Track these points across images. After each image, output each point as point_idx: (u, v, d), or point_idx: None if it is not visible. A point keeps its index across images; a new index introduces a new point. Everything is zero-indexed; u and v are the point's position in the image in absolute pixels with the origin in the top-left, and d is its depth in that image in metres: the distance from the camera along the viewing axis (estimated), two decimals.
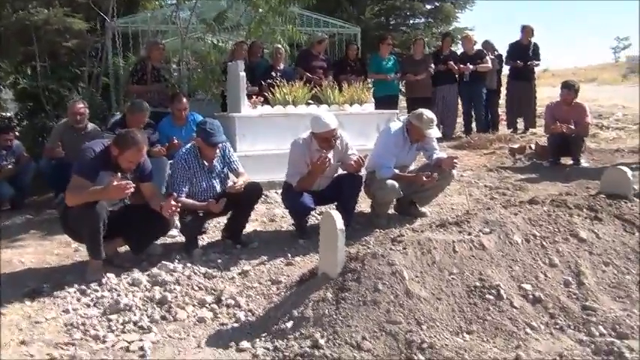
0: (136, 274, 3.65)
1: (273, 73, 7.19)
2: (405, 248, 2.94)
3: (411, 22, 15.77)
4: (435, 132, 4.70)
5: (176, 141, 5.41)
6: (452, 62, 9.35)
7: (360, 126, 6.64)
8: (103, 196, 3.59)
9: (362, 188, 4.69)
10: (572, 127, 6.75)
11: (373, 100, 7.28)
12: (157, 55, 6.83)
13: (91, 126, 5.94)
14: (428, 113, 4.64)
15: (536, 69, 9.90)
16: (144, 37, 8.29)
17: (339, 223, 2.94)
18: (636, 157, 7.25)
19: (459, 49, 10.62)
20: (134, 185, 3.63)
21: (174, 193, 3.98)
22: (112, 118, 6.03)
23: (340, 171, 4.66)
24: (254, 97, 6.62)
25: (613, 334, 2.60)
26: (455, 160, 4.77)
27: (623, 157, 7.35)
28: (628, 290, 3.01)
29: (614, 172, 3.89)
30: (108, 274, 3.64)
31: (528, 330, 2.64)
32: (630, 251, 3.28)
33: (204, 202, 4.17)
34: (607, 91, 18.05)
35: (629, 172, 3.79)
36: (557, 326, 2.70)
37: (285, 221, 5.03)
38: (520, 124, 9.86)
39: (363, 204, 5.19)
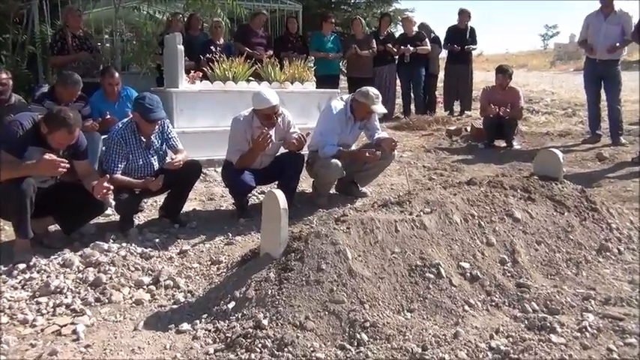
0: (68, 254, 3.47)
1: (213, 48, 6.98)
2: (348, 228, 2.93)
3: (353, 1, 15.74)
4: (380, 108, 4.71)
5: (109, 116, 5.18)
6: (390, 45, 9.43)
7: (301, 104, 6.59)
8: (33, 171, 3.38)
9: (304, 167, 4.65)
10: (508, 110, 7.00)
11: (314, 78, 7.23)
12: (74, 23, 6.50)
13: (15, 98, 5.55)
14: (373, 90, 4.67)
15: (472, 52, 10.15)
16: (74, 4, 7.84)
17: (283, 202, 2.90)
18: (564, 141, 7.60)
19: (398, 30, 10.73)
20: (68, 163, 3.43)
21: (108, 174, 3.80)
22: (38, 89, 5.68)
23: (282, 149, 4.60)
24: (192, 71, 6.42)
25: (545, 310, 2.71)
26: (394, 143, 4.81)
27: (552, 140, 7.69)
28: (558, 268, 3.16)
29: (547, 154, 4.04)
30: (37, 255, 3.45)
31: (466, 307, 2.72)
32: (560, 230, 3.43)
33: (141, 179, 4.01)
34: (536, 77, 18.79)
35: (561, 155, 3.94)
36: (493, 303, 2.79)
37: (224, 200, 4.94)
38: (456, 106, 10.11)
39: (304, 183, 5.17)
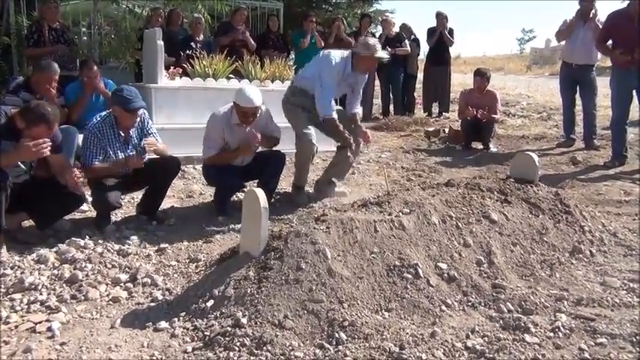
0: (42, 250, 3.42)
1: (193, 44, 6.94)
2: (328, 227, 2.95)
3: (334, 0, 15.77)
4: (382, 53, 4.65)
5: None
6: None
7: (280, 103, 6.55)
8: (13, 159, 3.33)
9: (285, 165, 4.68)
10: (485, 113, 7.09)
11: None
12: (50, 16, 6.40)
13: None
14: (371, 39, 4.80)
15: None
16: None
17: (263, 201, 2.90)
18: (539, 144, 7.73)
19: (378, 30, 10.77)
20: (50, 144, 3.39)
21: (78, 163, 3.76)
22: (13, 80, 5.57)
23: (261, 148, 4.60)
24: (172, 67, 6.37)
25: (520, 310, 2.76)
26: (369, 138, 4.88)
27: (528, 143, 7.81)
28: (533, 269, 3.22)
29: (523, 157, 4.11)
30: (10, 251, 3.39)
31: (443, 307, 2.75)
32: (535, 232, 3.50)
33: (120, 174, 3.97)
34: (513, 81, 19.02)
35: (536, 159, 4.02)
36: (470, 303, 2.83)
37: (203, 198, 4.91)
38: (435, 108, 10.21)
39: (284, 182, 5.17)
